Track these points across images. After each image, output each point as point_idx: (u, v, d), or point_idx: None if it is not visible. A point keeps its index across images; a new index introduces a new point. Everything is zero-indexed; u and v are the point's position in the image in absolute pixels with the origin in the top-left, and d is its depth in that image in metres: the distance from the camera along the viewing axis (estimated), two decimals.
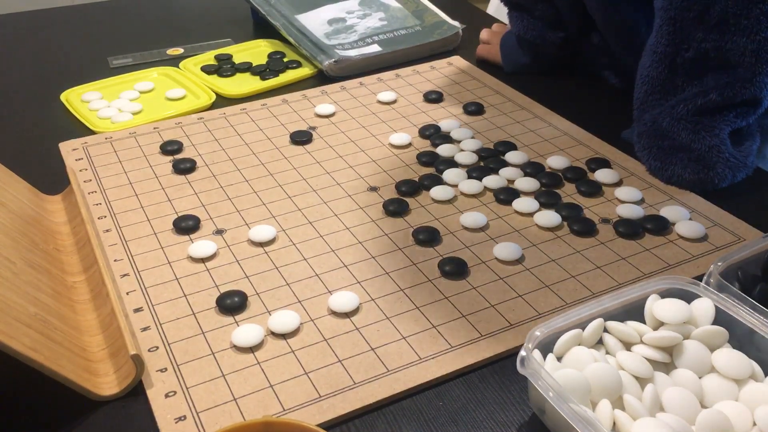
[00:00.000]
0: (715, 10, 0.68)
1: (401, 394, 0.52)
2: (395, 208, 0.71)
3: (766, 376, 0.49)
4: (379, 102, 0.92)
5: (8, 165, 0.71)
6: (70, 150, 0.81)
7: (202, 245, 0.66)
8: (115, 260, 0.65)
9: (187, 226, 0.68)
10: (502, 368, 0.55)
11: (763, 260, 0.57)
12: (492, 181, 0.75)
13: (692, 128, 0.72)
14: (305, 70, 0.99)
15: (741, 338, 0.51)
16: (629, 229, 0.68)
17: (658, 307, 0.51)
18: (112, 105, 0.91)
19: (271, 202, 0.73)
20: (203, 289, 0.62)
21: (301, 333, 0.57)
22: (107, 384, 0.53)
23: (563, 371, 0.47)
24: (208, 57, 1.03)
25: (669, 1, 0.70)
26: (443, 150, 0.80)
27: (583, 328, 0.50)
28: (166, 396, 0.52)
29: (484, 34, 1.03)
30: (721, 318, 0.52)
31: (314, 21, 1.06)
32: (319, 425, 0.48)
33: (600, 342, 0.51)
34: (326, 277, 0.63)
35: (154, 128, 0.86)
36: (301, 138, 0.83)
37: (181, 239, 0.67)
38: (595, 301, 0.52)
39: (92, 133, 0.85)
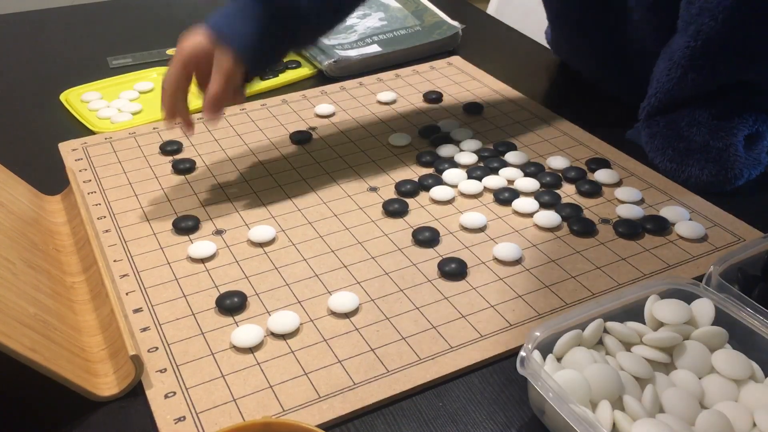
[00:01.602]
0: (747, 42, 0.69)
1: (401, 395, 0.52)
2: (395, 209, 0.71)
3: (766, 377, 0.49)
4: (379, 102, 0.92)
5: (8, 165, 0.71)
6: (69, 150, 0.81)
7: (201, 246, 0.66)
8: (114, 261, 0.65)
9: (186, 226, 0.68)
10: (502, 369, 0.55)
11: (763, 261, 0.57)
12: (492, 181, 0.75)
13: (710, 129, 0.72)
14: (305, 70, 0.99)
15: (741, 339, 0.51)
16: (629, 229, 0.68)
17: (658, 307, 0.51)
18: (112, 105, 0.91)
19: (271, 203, 0.73)
20: (203, 289, 0.62)
21: (301, 333, 0.57)
22: (106, 384, 0.53)
23: (563, 372, 0.47)
24: None
25: (697, 22, 0.69)
26: (443, 150, 0.80)
27: (583, 329, 0.50)
28: (166, 396, 0.52)
29: None
30: (721, 318, 0.52)
31: None
32: (319, 426, 0.48)
33: (600, 343, 0.51)
34: (326, 278, 0.63)
35: (154, 128, 0.86)
36: (301, 138, 0.83)
37: (181, 239, 0.67)
38: (594, 302, 0.52)
39: (92, 133, 0.85)
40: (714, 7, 0.67)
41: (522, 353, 0.47)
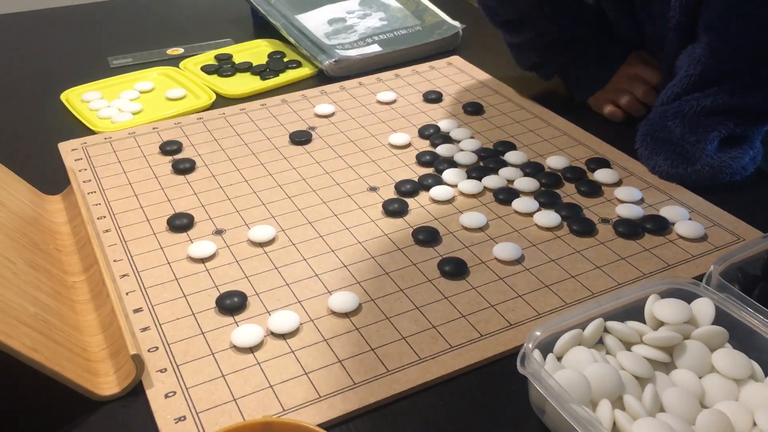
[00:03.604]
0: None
1: (401, 395, 0.52)
2: (395, 208, 0.71)
3: (766, 376, 0.49)
4: (379, 102, 0.92)
5: (8, 165, 0.71)
6: (69, 150, 0.81)
7: (201, 245, 0.66)
8: (114, 260, 0.65)
9: (181, 224, 0.68)
10: (502, 368, 0.55)
11: (763, 260, 0.57)
12: (491, 181, 0.75)
13: (690, 125, 0.73)
14: (305, 70, 0.99)
15: (741, 338, 0.51)
16: (629, 229, 0.68)
17: (658, 307, 0.51)
18: (112, 105, 0.91)
19: (271, 203, 0.73)
20: (203, 289, 0.62)
21: (301, 333, 0.57)
22: (107, 384, 0.53)
23: (563, 371, 0.47)
24: (208, 57, 1.03)
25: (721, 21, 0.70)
26: (443, 150, 0.80)
27: (583, 328, 0.50)
28: (166, 396, 0.52)
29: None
30: (721, 318, 0.52)
31: (314, 21, 1.06)
32: (319, 425, 0.48)
33: (600, 342, 0.51)
34: (326, 278, 0.63)
35: (154, 128, 0.86)
36: (301, 138, 0.83)
37: (181, 239, 0.67)
38: (594, 301, 0.52)
39: (92, 133, 0.85)
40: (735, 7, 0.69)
41: (522, 353, 0.47)
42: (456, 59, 1.03)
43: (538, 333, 0.49)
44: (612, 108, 0.86)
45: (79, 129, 0.86)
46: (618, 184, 0.75)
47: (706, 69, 0.72)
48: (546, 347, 0.49)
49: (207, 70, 0.99)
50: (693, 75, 0.73)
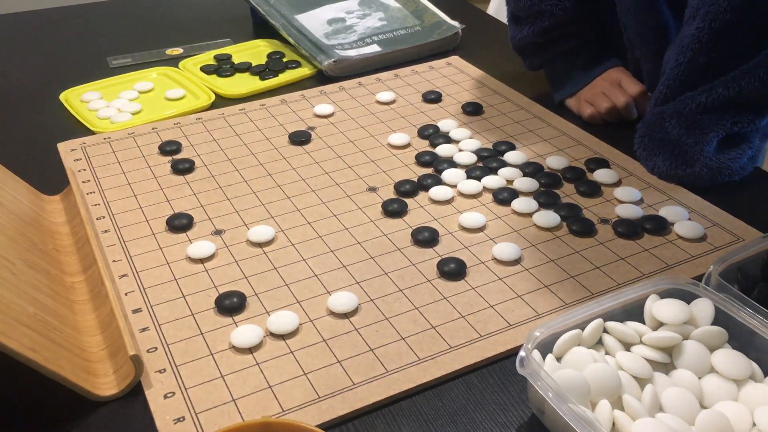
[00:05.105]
0: (756, 24, 0.69)
1: (400, 395, 0.52)
2: (394, 209, 0.71)
3: (765, 377, 0.49)
4: (378, 102, 0.92)
5: (7, 165, 0.71)
6: (68, 150, 0.81)
7: (200, 246, 0.66)
8: (113, 261, 0.65)
9: (180, 224, 0.68)
10: (502, 369, 0.55)
11: (763, 260, 0.57)
12: (491, 181, 0.75)
13: (687, 125, 0.72)
14: (304, 70, 0.99)
15: (740, 338, 0.51)
16: (628, 229, 0.68)
17: (658, 307, 0.51)
18: (112, 105, 0.90)
19: (270, 203, 0.73)
20: (202, 289, 0.62)
21: (300, 334, 0.57)
22: (106, 384, 0.53)
23: (563, 371, 0.47)
24: (208, 57, 1.03)
25: (707, 4, 0.69)
26: (442, 150, 0.80)
27: (583, 329, 0.50)
28: (165, 397, 0.52)
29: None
30: (720, 318, 0.52)
31: (314, 21, 1.06)
32: (318, 426, 0.48)
33: (599, 342, 0.51)
34: (325, 278, 0.63)
35: (153, 128, 0.86)
36: (300, 138, 0.83)
37: (180, 239, 0.67)
38: (594, 302, 0.52)
39: (91, 133, 0.85)
40: None
41: (521, 353, 0.47)
42: (455, 59, 1.03)
43: (537, 333, 0.49)
44: (592, 111, 0.86)
45: (78, 129, 0.86)
46: (617, 184, 0.75)
47: (696, 55, 0.71)
48: (545, 347, 0.49)
49: (206, 70, 0.99)
50: (683, 63, 0.72)
